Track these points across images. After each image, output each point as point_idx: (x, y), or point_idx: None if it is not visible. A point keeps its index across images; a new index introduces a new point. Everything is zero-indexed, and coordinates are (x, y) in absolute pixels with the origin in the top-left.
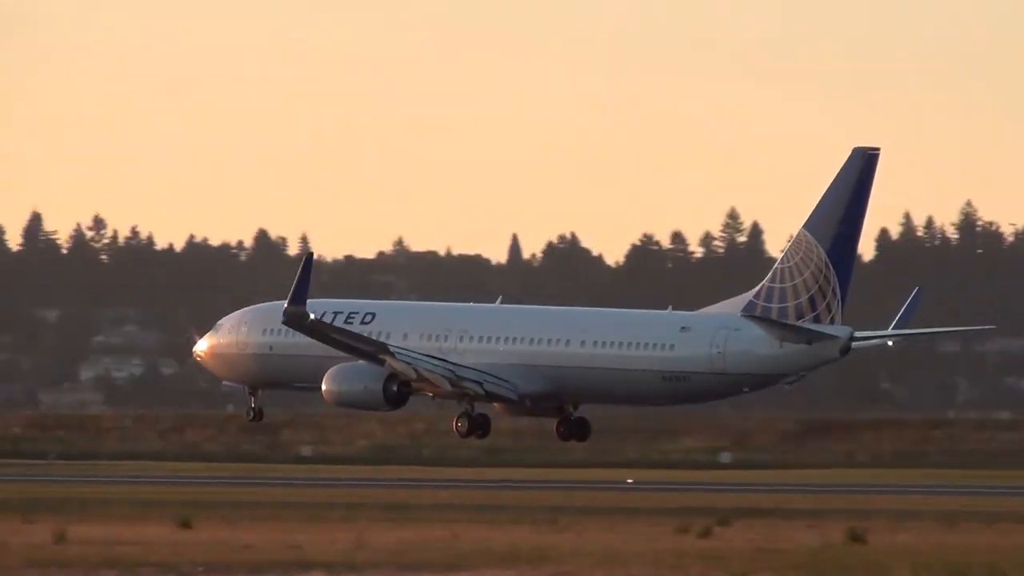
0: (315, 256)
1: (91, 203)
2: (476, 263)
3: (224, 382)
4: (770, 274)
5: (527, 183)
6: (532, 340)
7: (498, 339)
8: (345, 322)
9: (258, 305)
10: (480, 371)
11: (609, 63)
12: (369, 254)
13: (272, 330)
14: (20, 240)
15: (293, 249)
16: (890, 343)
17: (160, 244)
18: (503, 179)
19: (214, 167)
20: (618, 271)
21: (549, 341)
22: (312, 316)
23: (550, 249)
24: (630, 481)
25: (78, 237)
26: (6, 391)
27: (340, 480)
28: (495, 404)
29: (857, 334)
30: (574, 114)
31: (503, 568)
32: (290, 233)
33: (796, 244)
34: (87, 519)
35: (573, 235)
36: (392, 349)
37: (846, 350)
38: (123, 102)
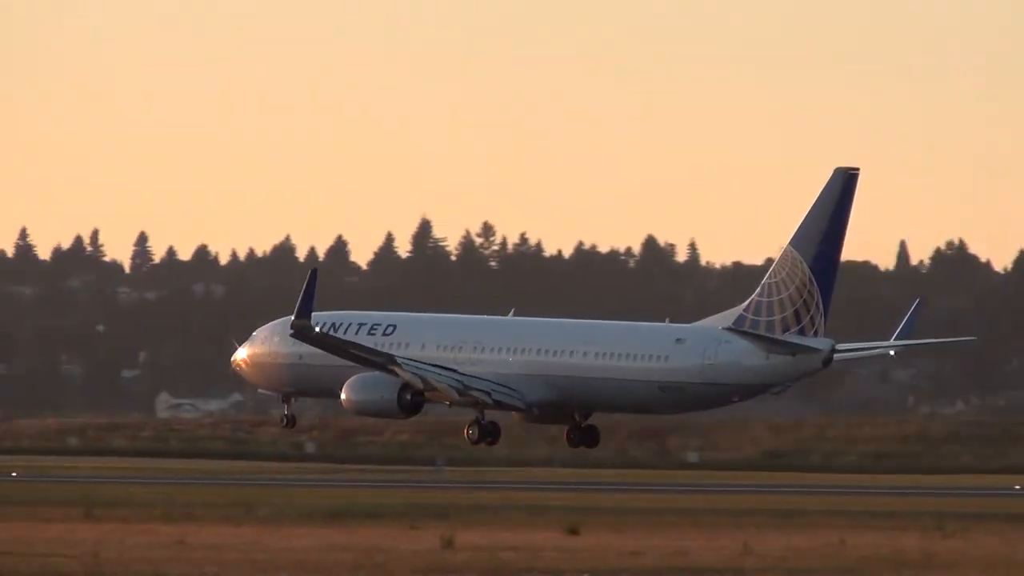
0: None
1: (480, 210)
2: (864, 270)
3: (259, 390)
4: (759, 288)
5: (914, 189)
6: (539, 351)
7: (508, 350)
8: (368, 333)
9: (289, 317)
10: (489, 380)
11: None
12: (757, 260)
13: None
14: (409, 247)
15: (682, 255)
16: (892, 352)
17: (549, 251)
18: (891, 186)
19: (601, 174)
20: (1007, 277)
21: (555, 352)
22: (317, 329)
23: (938, 255)
24: (1017, 488)
25: (467, 244)
26: None
27: (728, 486)
28: (513, 412)
29: (839, 346)
30: (974, 122)
31: (890, 574)
32: (679, 240)
33: (782, 259)
34: (474, 525)
35: (961, 241)
36: (399, 360)
37: (828, 361)
38: (525, 116)
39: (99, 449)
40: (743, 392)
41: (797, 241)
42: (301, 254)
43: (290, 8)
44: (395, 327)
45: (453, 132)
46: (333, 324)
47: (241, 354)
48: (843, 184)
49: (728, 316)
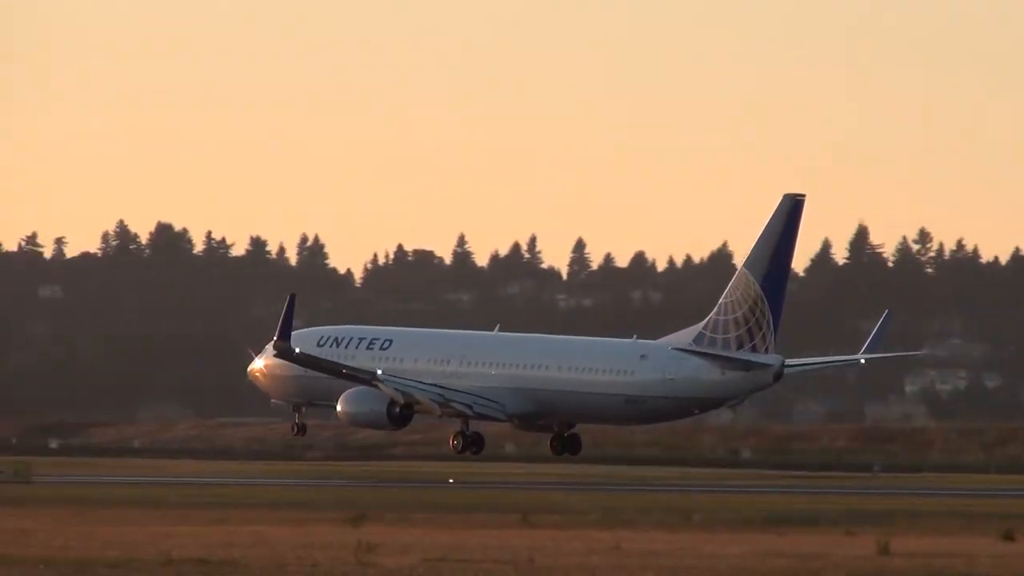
0: None
1: (917, 218)
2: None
3: (272, 400)
4: (715, 308)
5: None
6: (519, 365)
7: (490, 364)
8: (367, 348)
9: (298, 332)
10: (471, 394)
11: None
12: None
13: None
14: (846, 254)
15: None
16: (863, 360)
17: (985, 257)
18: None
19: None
20: None
21: (533, 367)
22: (297, 350)
23: None
24: None
25: (903, 250)
26: (832, 403)
27: None
28: (514, 421)
29: (788, 362)
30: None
31: None
32: None
33: (736, 281)
34: (911, 531)
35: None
36: (380, 376)
37: (779, 376)
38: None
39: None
40: (701, 405)
41: (750, 263)
42: (738, 260)
43: None
44: (391, 342)
45: (895, 137)
46: (336, 339)
47: (256, 365)
48: (790, 209)
49: (690, 332)
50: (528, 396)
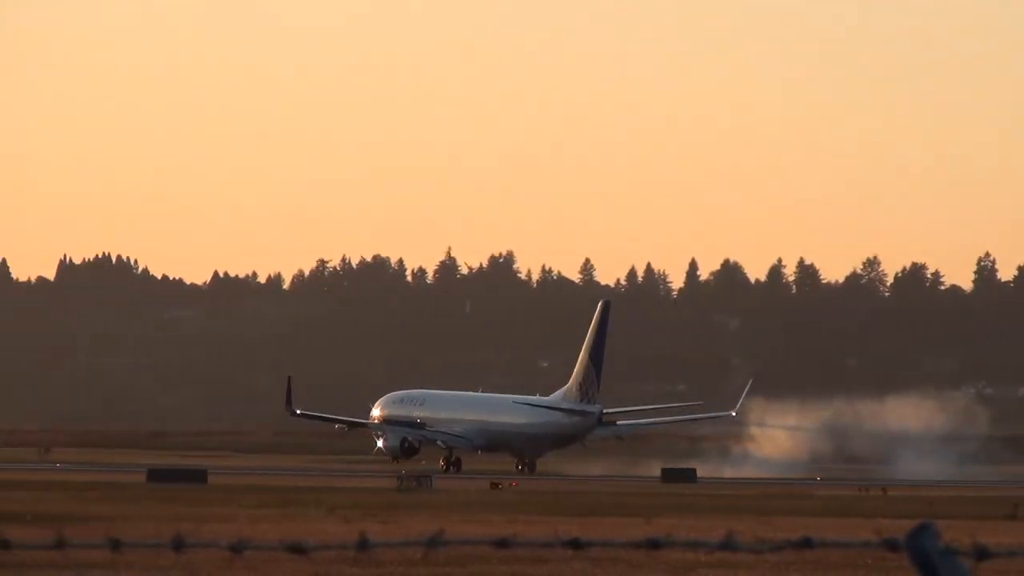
0: None
1: None
2: None
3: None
4: (572, 376)
5: None
6: (481, 414)
7: (464, 413)
8: (403, 402)
9: (406, 392)
10: (444, 432)
11: None
12: None
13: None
14: None
15: None
16: (733, 413)
17: None
18: None
19: None
20: None
21: (487, 414)
22: (297, 412)
23: None
24: None
25: None
26: None
27: None
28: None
29: (605, 410)
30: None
31: None
32: None
33: (581, 361)
34: None
35: None
36: (369, 425)
37: (599, 419)
38: None
39: None
40: (565, 440)
41: (587, 350)
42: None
43: None
44: (426, 400)
45: None
46: (401, 399)
47: (375, 413)
48: (603, 311)
49: (562, 391)
50: (483, 433)
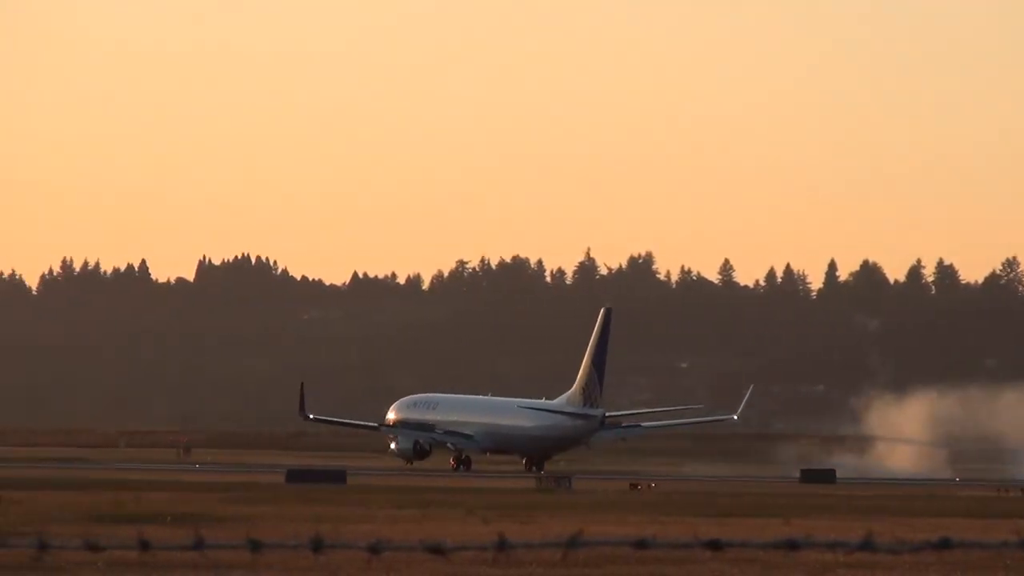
0: None
1: None
2: None
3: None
4: (576, 382)
5: None
6: (488, 417)
7: (473, 416)
8: (426, 406)
9: (423, 395)
10: (455, 434)
11: None
12: None
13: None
14: None
15: None
16: (735, 417)
17: None
18: None
19: None
20: None
21: (494, 418)
22: (311, 416)
23: None
24: None
25: None
26: None
27: None
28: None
29: (608, 413)
30: None
31: None
32: None
33: (584, 366)
34: None
35: None
36: (381, 428)
37: (602, 423)
38: None
39: None
40: (573, 442)
41: (590, 356)
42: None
43: None
44: (438, 404)
45: None
46: (416, 402)
47: (389, 416)
48: (605, 318)
49: (566, 396)
50: (490, 435)
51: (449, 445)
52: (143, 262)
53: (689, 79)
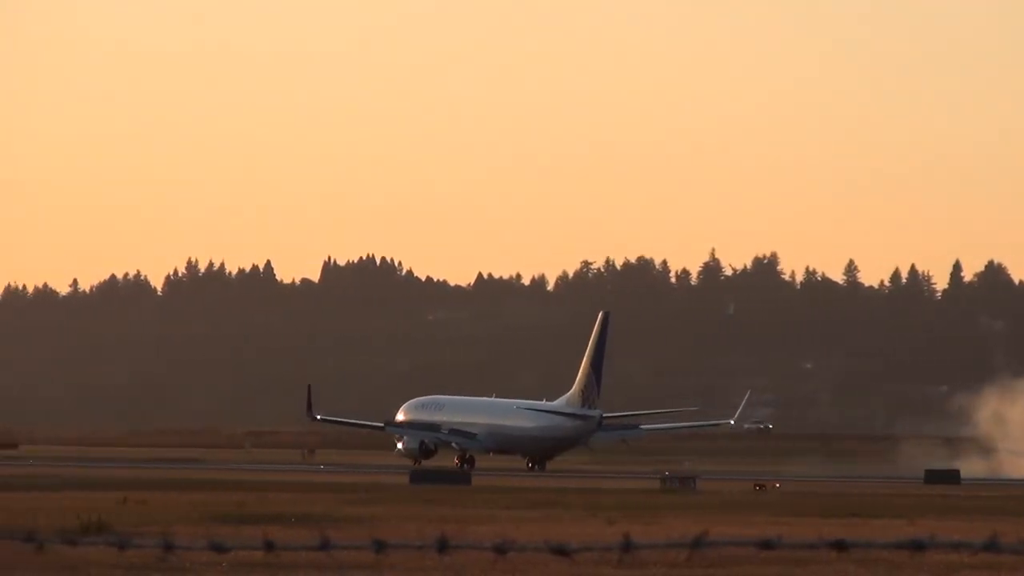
0: None
1: None
2: None
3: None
4: (575, 384)
5: None
6: (491, 418)
7: (477, 417)
8: (434, 407)
9: (430, 397)
10: (458, 434)
11: None
12: None
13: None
14: None
15: None
16: (731, 422)
17: None
18: None
19: None
20: None
21: (497, 418)
22: (319, 417)
23: None
24: None
25: None
26: None
27: None
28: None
29: (605, 414)
30: None
31: None
32: None
33: (583, 370)
34: None
35: None
36: (386, 427)
37: (600, 423)
38: None
39: None
40: (573, 442)
41: (589, 359)
42: None
43: None
44: (444, 405)
45: None
46: (423, 403)
47: (399, 417)
48: (603, 322)
49: (565, 397)
50: (493, 435)
51: (454, 445)
52: (268, 263)
53: (822, 80)
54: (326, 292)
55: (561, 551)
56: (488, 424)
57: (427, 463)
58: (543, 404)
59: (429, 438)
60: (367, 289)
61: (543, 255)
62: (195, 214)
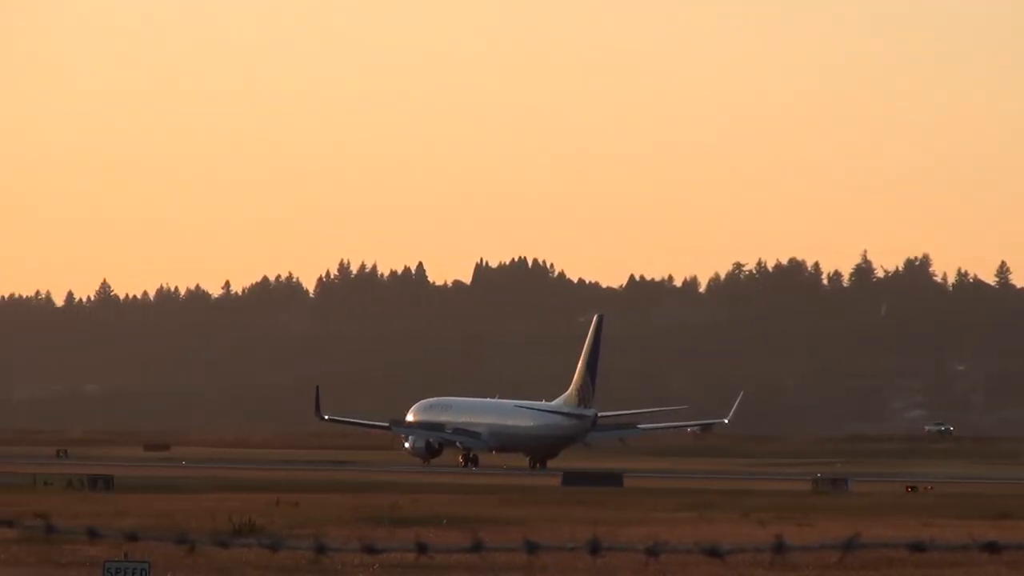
0: None
1: None
2: None
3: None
4: (571, 385)
5: None
6: (494, 418)
7: (480, 417)
8: (441, 408)
9: (437, 399)
10: (462, 433)
11: None
12: None
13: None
14: None
15: None
16: (726, 421)
17: None
18: None
19: None
20: None
21: (498, 418)
22: (327, 417)
23: None
24: None
25: None
26: None
27: None
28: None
29: (600, 413)
30: None
31: None
32: None
33: (579, 371)
34: None
35: None
36: (392, 427)
37: (595, 422)
38: None
39: None
40: (569, 440)
41: (584, 360)
42: None
43: None
44: (451, 406)
45: None
46: (431, 405)
47: (408, 418)
48: (598, 325)
49: (562, 397)
50: (496, 434)
51: (458, 444)
52: (420, 265)
53: (966, 82)
54: (478, 294)
55: (713, 553)
56: (491, 424)
57: (576, 465)
58: (542, 404)
59: (435, 437)
60: (519, 291)
61: (695, 257)
62: (347, 216)
